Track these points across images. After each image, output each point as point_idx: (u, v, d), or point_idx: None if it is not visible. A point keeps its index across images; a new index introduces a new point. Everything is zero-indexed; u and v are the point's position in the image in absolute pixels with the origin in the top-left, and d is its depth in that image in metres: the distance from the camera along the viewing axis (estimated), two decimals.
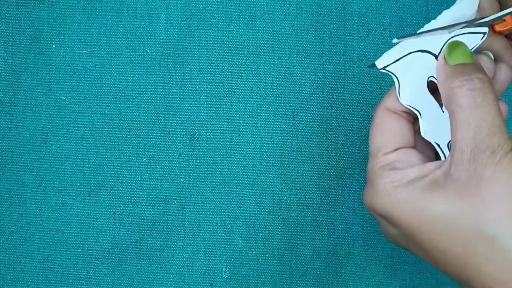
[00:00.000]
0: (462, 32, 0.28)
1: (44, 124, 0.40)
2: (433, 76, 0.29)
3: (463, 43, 0.29)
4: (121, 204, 0.40)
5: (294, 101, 0.41)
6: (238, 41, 0.41)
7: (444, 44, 0.29)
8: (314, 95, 0.41)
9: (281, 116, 0.41)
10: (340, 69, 0.41)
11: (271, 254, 0.41)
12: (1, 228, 0.40)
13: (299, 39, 0.41)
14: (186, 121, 0.41)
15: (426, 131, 0.30)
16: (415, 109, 0.30)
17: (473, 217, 0.26)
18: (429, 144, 0.32)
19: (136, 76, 0.40)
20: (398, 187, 0.28)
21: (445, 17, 0.29)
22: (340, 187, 0.41)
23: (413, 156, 0.30)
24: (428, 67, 0.29)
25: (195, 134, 0.41)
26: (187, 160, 0.40)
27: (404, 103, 0.30)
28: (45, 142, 0.40)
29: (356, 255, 0.41)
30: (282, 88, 0.41)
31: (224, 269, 0.41)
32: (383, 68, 0.30)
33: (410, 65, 0.29)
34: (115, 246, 0.40)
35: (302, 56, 0.41)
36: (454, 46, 0.29)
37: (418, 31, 0.29)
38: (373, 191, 0.29)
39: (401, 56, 0.29)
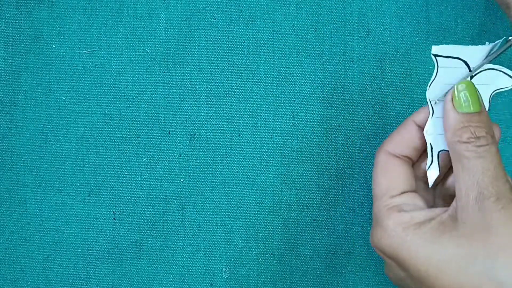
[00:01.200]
0: (497, 69, 0.28)
1: (44, 124, 0.40)
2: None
3: (473, 86, 0.29)
4: (121, 204, 0.40)
5: (294, 101, 0.41)
6: (238, 41, 0.41)
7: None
8: (314, 95, 0.41)
9: (281, 116, 0.41)
10: (340, 69, 0.41)
11: (271, 254, 0.41)
12: (1, 228, 0.40)
13: (299, 39, 0.41)
14: (186, 121, 0.41)
15: (428, 131, 0.31)
16: (431, 106, 0.31)
17: (482, 261, 0.27)
18: (428, 190, 0.33)
19: (136, 76, 0.40)
20: (407, 228, 0.29)
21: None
22: (340, 187, 0.41)
23: (417, 200, 0.31)
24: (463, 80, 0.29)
25: (195, 134, 0.41)
26: (187, 160, 0.40)
27: (428, 96, 0.30)
28: (45, 142, 0.40)
29: (356, 255, 0.41)
30: (282, 88, 0.41)
31: (224, 269, 0.41)
32: (436, 56, 0.30)
33: (455, 70, 0.29)
34: (115, 246, 0.40)
35: (302, 56, 0.41)
36: (464, 91, 0.29)
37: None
38: (381, 232, 0.30)
39: (456, 56, 0.29)
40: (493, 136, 0.29)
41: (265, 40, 0.41)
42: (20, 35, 0.40)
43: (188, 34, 0.41)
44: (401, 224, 0.29)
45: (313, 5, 0.41)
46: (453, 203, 0.29)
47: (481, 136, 0.28)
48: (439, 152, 0.31)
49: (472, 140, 0.28)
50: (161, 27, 0.40)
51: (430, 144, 0.31)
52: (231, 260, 0.41)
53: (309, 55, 0.41)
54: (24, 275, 0.40)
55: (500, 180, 0.28)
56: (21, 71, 0.40)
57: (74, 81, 0.40)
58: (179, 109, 0.41)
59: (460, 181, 0.28)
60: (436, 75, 0.30)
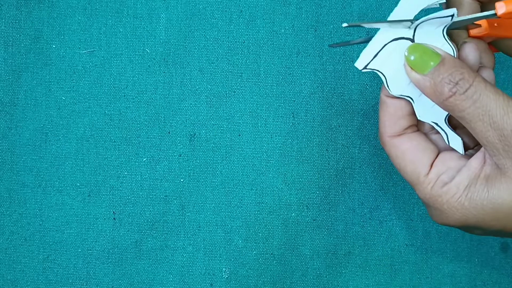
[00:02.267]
0: (428, 18, 0.27)
1: (44, 124, 0.40)
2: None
3: (418, 44, 0.28)
4: (121, 204, 0.40)
5: (294, 101, 0.41)
6: (238, 41, 0.41)
7: (414, 31, 0.29)
8: (314, 95, 0.41)
9: (281, 116, 0.41)
10: (340, 69, 0.41)
11: (271, 254, 0.41)
12: (1, 228, 0.40)
13: (299, 39, 0.41)
14: (186, 121, 0.41)
15: (421, 115, 0.30)
16: (407, 96, 0.30)
17: None
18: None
19: (136, 76, 0.40)
20: (460, 198, 0.28)
21: (409, 4, 0.28)
22: (340, 187, 0.41)
23: (448, 160, 0.30)
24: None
25: (195, 134, 0.41)
26: (187, 160, 0.40)
27: (395, 94, 0.29)
28: (45, 142, 0.40)
29: (356, 255, 0.41)
30: (282, 88, 0.41)
31: (224, 269, 0.41)
32: (365, 68, 0.29)
33: (390, 56, 0.28)
34: (115, 246, 0.40)
35: (302, 56, 0.41)
36: (414, 52, 0.28)
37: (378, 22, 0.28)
38: (440, 213, 0.29)
39: (377, 50, 0.28)
40: (471, 72, 0.27)
41: (265, 40, 0.41)
42: (20, 35, 0.40)
43: (188, 34, 0.41)
44: (452, 199, 0.28)
45: (313, 5, 0.41)
46: (484, 152, 0.28)
47: (459, 79, 0.27)
48: (445, 119, 0.30)
49: (454, 89, 0.27)
50: (161, 27, 0.40)
51: (433, 122, 0.30)
52: (231, 260, 0.41)
53: (309, 55, 0.41)
54: (24, 275, 0.40)
55: (509, 110, 0.26)
56: (21, 71, 0.40)
57: (74, 81, 0.40)
58: (179, 109, 0.41)
59: (475, 131, 0.27)
60: (385, 77, 0.29)
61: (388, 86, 0.29)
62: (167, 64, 0.41)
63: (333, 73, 0.41)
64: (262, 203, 0.41)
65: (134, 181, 0.40)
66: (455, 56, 0.28)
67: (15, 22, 0.40)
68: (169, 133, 0.40)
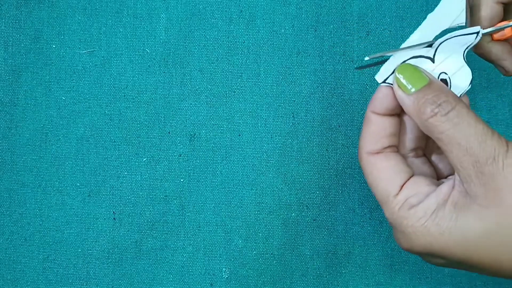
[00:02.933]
0: (452, 36, 0.28)
1: (44, 124, 0.40)
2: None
3: (410, 65, 0.28)
4: (121, 204, 0.40)
5: (294, 101, 0.41)
6: (238, 41, 0.41)
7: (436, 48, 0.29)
8: (314, 95, 0.41)
9: (281, 116, 0.41)
10: (340, 69, 0.41)
11: (271, 254, 0.41)
12: (1, 228, 0.40)
13: (299, 39, 0.41)
14: (186, 121, 0.41)
15: (382, 73, 0.30)
16: (387, 79, 0.30)
17: (508, 224, 0.26)
18: (422, 160, 0.32)
19: (136, 76, 0.41)
20: (426, 223, 0.28)
21: (430, 25, 0.28)
22: (340, 187, 0.41)
23: (419, 184, 0.30)
24: (427, 70, 0.29)
25: (195, 134, 0.41)
26: (187, 160, 0.40)
27: (380, 80, 0.30)
28: (45, 142, 0.40)
29: (356, 255, 0.41)
30: (282, 88, 0.41)
31: (224, 269, 0.41)
32: (384, 82, 0.29)
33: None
34: (115, 246, 0.40)
35: (302, 56, 0.41)
36: (404, 72, 0.28)
37: (401, 46, 0.28)
38: (405, 236, 0.29)
39: (396, 66, 0.28)
40: (456, 97, 0.27)
41: (265, 40, 0.41)
42: (20, 35, 0.40)
43: (188, 34, 0.41)
44: (419, 222, 0.28)
45: (313, 5, 0.41)
46: (455, 177, 0.28)
47: (442, 101, 0.27)
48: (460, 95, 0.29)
49: (436, 110, 0.27)
50: (161, 27, 0.40)
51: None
52: (231, 260, 0.41)
53: (309, 55, 0.41)
54: (24, 275, 0.40)
55: (487, 137, 0.26)
56: (21, 71, 0.40)
57: (74, 81, 0.40)
58: (179, 109, 0.41)
59: (451, 155, 0.27)
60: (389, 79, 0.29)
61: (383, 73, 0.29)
62: (167, 64, 0.41)
63: (333, 73, 0.41)
64: (262, 203, 0.41)
65: (134, 181, 0.40)
66: (471, 80, 0.29)
67: (15, 22, 0.40)
68: (169, 133, 0.40)
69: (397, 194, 0.30)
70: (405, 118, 0.31)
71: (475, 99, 0.40)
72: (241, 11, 0.41)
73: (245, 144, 0.41)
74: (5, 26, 0.40)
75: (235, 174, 0.41)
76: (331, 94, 0.41)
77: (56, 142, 0.40)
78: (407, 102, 0.28)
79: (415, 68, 0.28)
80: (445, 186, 0.29)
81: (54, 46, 0.40)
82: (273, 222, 0.41)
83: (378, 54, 0.28)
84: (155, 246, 0.40)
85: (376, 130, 0.30)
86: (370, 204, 0.41)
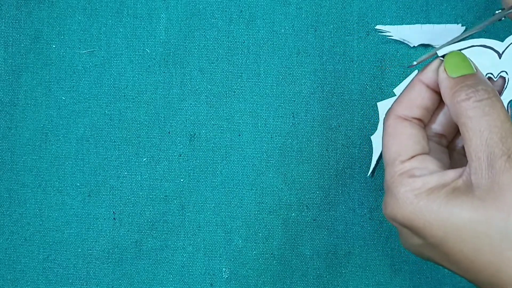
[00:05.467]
0: (480, 44, 0.27)
1: (44, 124, 0.40)
2: (491, 73, 0.29)
3: (462, 53, 0.29)
4: (121, 204, 0.40)
5: (294, 101, 0.41)
6: (238, 41, 0.41)
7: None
8: (314, 95, 0.41)
9: (281, 116, 0.41)
10: (340, 69, 0.41)
11: (271, 254, 0.41)
12: (1, 228, 0.40)
13: (299, 39, 0.41)
14: (186, 121, 0.41)
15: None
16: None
17: (501, 222, 0.26)
18: (443, 149, 0.32)
19: (136, 76, 0.40)
20: (420, 195, 0.28)
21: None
22: (340, 187, 0.41)
23: (429, 162, 0.30)
24: (490, 63, 0.29)
25: (195, 134, 0.41)
26: (187, 160, 0.40)
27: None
28: (45, 142, 0.40)
29: (356, 255, 0.41)
30: (282, 88, 0.41)
31: (224, 269, 0.41)
32: (443, 56, 0.30)
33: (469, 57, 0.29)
34: (115, 246, 0.40)
35: (302, 56, 0.41)
36: (454, 57, 0.29)
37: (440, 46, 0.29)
38: (394, 201, 0.29)
39: (463, 47, 0.28)
40: (495, 91, 0.27)
41: (265, 40, 0.41)
42: (20, 35, 0.40)
43: (188, 34, 0.41)
44: (413, 191, 0.28)
45: (313, 5, 0.41)
46: (466, 168, 0.28)
47: (480, 88, 0.27)
48: None
49: (471, 95, 0.27)
50: (161, 27, 0.40)
51: None
52: (231, 260, 0.41)
53: (309, 55, 0.41)
54: (24, 275, 0.40)
55: (509, 137, 0.26)
56: (21, 71, 0.40)
57: (74, 81, 0.40)
58: (179, 109, 0.41)
59: (469, 143, 0.27)
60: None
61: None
62: (167, 64, 0.41)
63: (333, 73, 0.41)
64: (262, 203, 0.41)
65: (134, 181, 0.40)
66: None
67: (15, 22, 0.40)
68: (169, 133, 0.40)
69: (405, 161, 0.29)
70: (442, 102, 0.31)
71: None
72: (241, 11, 0.41)
73: (245, 144, 0.41)
74: (5, 26, 0.40)
75: (235, 174, 0.41)
76: (331, 94, 0.41)
77: (56, 142, 0.40)
78: (446, 83, 0.28)
79: (465, 57, 0.29)
80: (452, 172, 0.29)
81: (54, 46, 0.40)
82: (273, 222, 0.41)
83: (425, 56, 0.28)
84: (155, 246, 0.40)
85: (415, 97, 0.30)
86: (370, 204, 0.41)
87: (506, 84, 0.29)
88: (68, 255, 0.40)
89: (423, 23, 0.40)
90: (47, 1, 0.40)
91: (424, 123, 0.31)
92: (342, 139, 0.41)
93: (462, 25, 0.40)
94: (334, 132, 0.41)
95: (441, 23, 0.40)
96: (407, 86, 0.32)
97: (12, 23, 0.40)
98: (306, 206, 0.41)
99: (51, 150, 0.40)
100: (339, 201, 0.41)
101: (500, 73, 0.29)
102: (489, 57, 0.28)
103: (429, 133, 0.32)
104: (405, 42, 0.40)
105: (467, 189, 0.27)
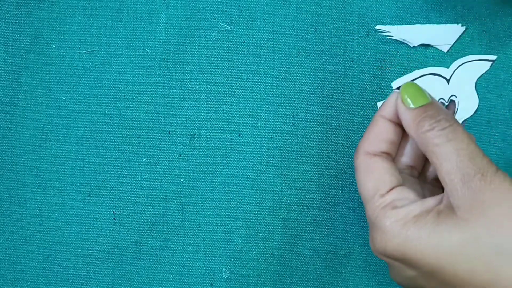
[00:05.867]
0: (470, 60, 0.28)
1: (44, 124, 0.40)
2: (442, 98, 0.30)
3: (415, 84, 0.30)
4: (121, 204, 0.40)
5: (294, 101, 0.41)
6: (238, 41, 0.41)
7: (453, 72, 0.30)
8: (314, 95, 0.41)
9: (281, 116, 0.41)
10: (340, 69, 0.41)
11: (271, 254, 0.41)
12: (1, 228, 0.40)
13: (299, 39, 0.41)
14: (186, 121, 0.41)
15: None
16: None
17: (489, 239, 0.26)
18: (415, 180, 0.33)
19: (136, 76, 0.41)
20: (406, 224, 0.28)
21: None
22: (340, 187, 0.41)
23: (407, 192, 0.30)
24: (440, 89, 0.30)
25: (195, 134, 0.41)
26: (187, 160, 0.40)
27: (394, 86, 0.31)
28: (45, 142, 0.40)
29: (356, 255, 0.41)
30: (282, 88, 0.41)
31: (224, 269, 0.41)
32: (398, 88, 0.31)
33: (422, 85, 0.30)
34: (115, 246, 0.40)
35: (302, 56, 0.41)
36: (409, 89, 0.30)
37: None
38: (381, 235, 0.29)
39: (415, 77, 0.30)
40: (454, 118, 0.29)
41: (265, 40, 0.41)
42: (20, 35, 0.40)
43: (188, 34, 0.41)
44: (399, 221, 0.29)
45: (313, 5, 0.41)
46: (444, 193, 0.29)
47: (440, 118, 0.29)
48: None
49: (434, 125, 0.28)
50: (161, 27, 0.40)
51: None
52: (231, 260, 0.41)
53: (309, 55, 0.41)
54: (24, 275, 0.40)
55: (478, 156, 0.28)
56: (21, 71, 0.40)
57: (74, 81, 0.40)
58: (179, 109, 0.41)
59: (441, 169, 0.28)
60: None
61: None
62: (167, 64, 0.41)
63: (333, 73, 0.41)
64: (262, 203, 0.41)
65: (134, 181, 0.40)
66: (476, 109, 0.30)
67: (15, 22, 0.40)
68: (169, 133, 0.41)
69: (384, 194, 0.30)
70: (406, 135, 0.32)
71: None
72: (241, 11, 0.41)
73: (245, 144, 0.41)
74: (5, 26, 0.40)
75: (235, 174, 0.41)
76: (331, 94, 0.41)
77: (56, 142, 0.40)
78: (407, 116, 0.30)
79: (419, 87, 0.30)
80: (432, 199, 0.29)
81: (54, 46, 0.40)
82: (273, 222, 0.41)
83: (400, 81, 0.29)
84: (155, 246, 0.40)
85: (379, 132, 0.31)
86: None
87: (456, 107, 0.30)
88: (68, 255, 0.40)
89: (423, 23, 0.40)
90: (47, 1, 0.40)
91: (392, 156, 0.32)
92: (342, 139, 0.41)
93: (462, 25, 0.40)
94: (334, 132, 0.41)
95: (441, 23, 0.40)
96: (371, 122, 0.33)
97: (12, 23, 0.40)
98: (306, 206, 0.41)
99: (51, 150, 0.40)
100: (339, 201, 0.41)
101: (450, 97, 0.30)
102: (439, 83, 0.30)
103: (399, 166, 0.33)
104: (405, 42, 0.40)
105: (451, 212, 0.28)
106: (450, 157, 0.28)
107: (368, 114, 0.41)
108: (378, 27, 0.40)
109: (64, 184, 0.40)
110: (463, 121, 0.30)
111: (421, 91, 0.30)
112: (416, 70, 0.30)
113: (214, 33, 0.41)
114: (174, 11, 0.41)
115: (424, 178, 0.34)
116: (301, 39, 0.41)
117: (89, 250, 0.40)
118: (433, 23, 0.40)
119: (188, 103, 0.41)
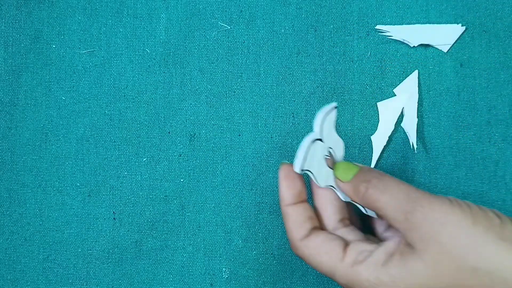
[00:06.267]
0: (320, 117, 0.33)
1: (44, 124, 0.40)
2: (326, 155, 0.34)
3: (344, 163, 0.34)
4: (121, 204, 0.40)
5: (294, 101, 0.41)
6: (238, 41, 0.41)
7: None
8: (314, 95, 0.41)
9: (281, 116, 0.41)
10: (340, 69, 0.41)
11: (271, 254, 0.41)
12: (1, 228, 0.40)
13: (299, 39, 0.41)
14: (186, 121, 0.41)
15: (345, 197, 0.34)
16: (331, 186, 0.35)
17: (448, 260, 0.29)
18: (349, 228, 0.35)
19: (136, 76, 0.41)
20: (379, 274, 0.30)
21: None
22: None
23: (360, 245, 0.32)
24: (322, 150, 0.34)
25: (195, 134, 0.41)
26: (187, 160, 0.40)
27: (322, 185, 0.34)
28: (45, 142, 0.40)
29: None
30: (282, 88, 0.41)
31: (224, 269, 0.41)
32: (302, 170, 0.33)
33: (313, 157, 0.33)
34: (115, 246, 0.40)
35: (302, 56, 0.41)
36: (340, 167, 0.34)
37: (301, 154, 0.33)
38: None
39: (304, 154, 0.33)
40: (380, 172, 0.33)
41: (265, 40, 0.41)
42: (20, 35, 0.40)
43: (188, 34, 0.41)
44: (372, 274, 0.30)
45: (313, 5, 0.41)
46: (396, 236, 0.32)
47: (371, 178, 0.32)
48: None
49: (368, 185, 0.32)
50: (161, 27, 0.40)
51: (353, 201, 0.34)
52: (231, 260, 0.41)
53: (309, 55, 0.41)
54: (24, 275, 0.40)
55: (411, 192, 0.31)
56: (21, 71, 0.40)
57: (74, 81, 0.40)
58: (179, 109, 0.41)
59: (388, 217, 0.31)
60: (313, 174, 0.34)
61: (317, 181, 0.34)
62: (167, 64, 0.41)
63: (333, 73, 0.41)
64: (262, 203, 0.41)
65: (134, 181, 0.40)
66: (344, 149, 0.35)
67: (15, 22, 0.40)
68: (169, 133, 0.41)
69: (343, 258, 0.32)
70: (318, 198, 0.35)
71: (475, 99, 0.40)
72: (241, 11, 0.41)
73: (245, 144, 0.41)
74: (5, 26, 0.40)
75: (235, 174, 0.41)
76: (331, 94, 0.41)
77: (56, 142, 0.40)
78: (347, 188, 0.33)
79: (347, 163, 0.34)
80: (391, 241, 0.31)
81: (54, 46, 0.40)
82: (273, 222, 0.41)
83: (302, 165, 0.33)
84: (155, 246, 0.40)
85: (296, 217, 0.34)
86: None
87: (333, 155, 0.35)
88: (68, 255, 0.40)
89: (423, 23, 0.40)
90: (47, 1, 0.40)
91: (319, 227, 0.34)
92: (342, 139, 0.41)
93: (462, 25, 0.40)
94: (356, 169, 0.41)
95: (441, 23, 0.40)
96: (283, 219, 0.34)
97: (12, 23, 0.40)
98: None
99: (51, 150, 0.40)
100: None
101: (328, 150, 0.34)
102: (319, 145, 0.33)
103: (333, 226, 0.35)
104: (405, 42, 0.40)
105: (410, 249, 0.30)
106: (389, 204, 0.31)
107: (368, 114, 0.41)
108: (378, 27, 0.40)
109: (64, 184, 0.40)
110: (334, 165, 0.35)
111: (349, 165, 0.34)
112: (299, 147, 0.33)
113: (214, 33, 0.41)
114: (174, 11, 0.41)
115: (380, 237, 0.36)
116: (301, 39, 0.41)
117: (89, 250, 0.40)
118: (433, 23, 0.40)
119: (188, 103, 0.41)
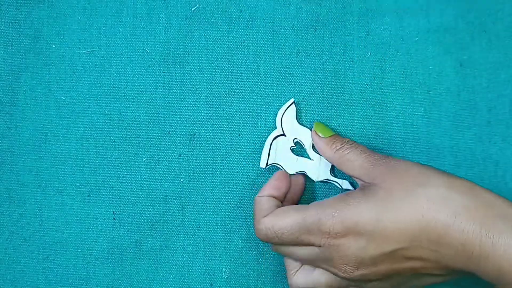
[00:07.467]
0: (280, 114, 0.40)
1: (44, 124, 0.40)
2: (292, 146, 0.39)
3: (321, 123, 0.39)
4: (121, 204, 0.40)
5: (294, 101, 0.41)
6: (238, 41, 0.41)
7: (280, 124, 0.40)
8: (314, 95, 0.41)
9: None
10: (340, 69, 0.41)
11: (271, 254, 0.41)
12: (1, 228, 0.40)
13: (299, 39, 0.41)
14: (186, 121, 0.41)
15: (315, 178, 0.39)
16: (301, 171, 0.39)
17: (401, 187, 0.34)
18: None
19: (136, 76, 0.40)
20: (346, 201, 0.35)
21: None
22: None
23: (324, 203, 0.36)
24: (287, 143, 0.39)
25: (195, 134, 0.41)
26: (187, 160, 0.40)
27: (292, 173, 0.39)
28: (45, 142, 0.40)
29: None
30: (282, 88, 0.41)
31: (224, 269, 0.41)
32: (267, 165, 0.39)
33: (277, 151, 0.39)
34: (115, 246, 0.40)
35: (302, 56, 0.41)
36: (319, 126, 0.39)
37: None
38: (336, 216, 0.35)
39: (268, 150, 0.39)
40: (349, 140, 0.38)
41: (265, 40, 0.41)
42: (20, 35, 0.40)
43: (188, 34, 0.41)
44: (339, 204, 0.34)
45: (313, 5, 0.41)
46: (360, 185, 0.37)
47: (346, 142, 0.38)
48: (330, 172, 0.40)
49: (341, 146, 0.37)
50: (161, 27, 0.40)
51: (325, 179, 0.40)
52: (231, 260, 0.41)
53: (309, 55, 0.41)
54: (24, 275, 0.40)
55: (375, 152, 0.37)
56: (21, 71, 0.40)
57: (74, 81, 0.40)
58: (179, 109, 0.41)
59: (355, 168, 0.36)
60: (282, 166, 0.40)
61: (286, 170, 0.39)
62: (167, 64, 0.41)
63: (333, 73, 0.41)
64: None
65: (134, 181, 0.40)
66: (310, 135, 0.40)
67: (15, 22, 0.40)
68: (169, 133, 0.40)
69: (306, 210, 0.36)
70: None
71: (475, 99, 0.40)
72: (241, 11, 0.41)
73: (245, 144, 0.41)
74: (5, 26, 0.40)
75: (235, 174, 0.41)
76: (331, 94, 0.41)
77: (56, 142, 0.40)
78: (322, 142, 0.38)
79: (324, 125, 0.39)
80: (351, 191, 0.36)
81: (54, 46, 0.40)
82: None
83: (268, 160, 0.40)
84: (155, 246, 0.40)
85: (265, 202, 0.38)
86: None
87: (304, 145, 0.40)
88: (68, 255, 0.40)
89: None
90: (47, 1, 0.40)
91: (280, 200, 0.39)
92: None
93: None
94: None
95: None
96: (254, 205, 0.38)
97: (12, 23, 0.40)
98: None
99: (51, 150, 0.40)
100: None
101: (294, 140, 0.40)
102: (283, 141, 0.40)
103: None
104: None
105: (371, 186, 0.35)
106: (359, 156, 0.36)
107: (368, 114, 0.41)
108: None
109: (64, 184, 0.40)
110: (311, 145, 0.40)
111: (327, 127, 0.39)
112: (265, 146, 0.40)
113: (214, 33, 0.41)
114: (174, 11, 0.40)
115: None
116: (301, 39, 0.41)
117: (89, 250, 0.40)
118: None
119: (188, 103, 0.41)
